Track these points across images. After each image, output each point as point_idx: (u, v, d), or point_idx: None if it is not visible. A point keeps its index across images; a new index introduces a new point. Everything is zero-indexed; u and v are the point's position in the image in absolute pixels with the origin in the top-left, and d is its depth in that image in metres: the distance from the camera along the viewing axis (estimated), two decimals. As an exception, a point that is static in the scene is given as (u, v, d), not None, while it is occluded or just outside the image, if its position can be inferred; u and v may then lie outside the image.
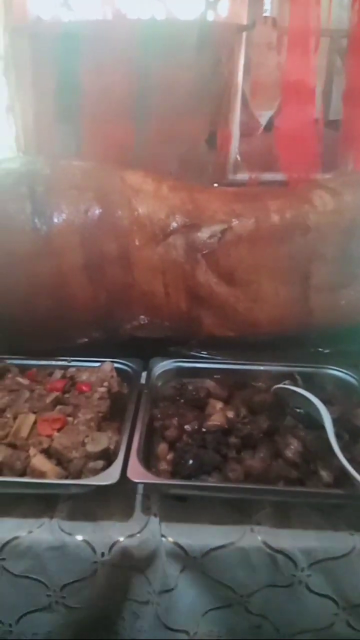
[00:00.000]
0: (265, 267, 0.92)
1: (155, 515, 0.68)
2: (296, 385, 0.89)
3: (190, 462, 0.66)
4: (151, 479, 0.66)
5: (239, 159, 1.38)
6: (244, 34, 1.19)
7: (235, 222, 0.90)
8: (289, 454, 0.70)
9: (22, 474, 0.69)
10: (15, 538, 0.66)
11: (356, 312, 0.96)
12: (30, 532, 0.67)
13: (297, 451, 0.71)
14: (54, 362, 0.93)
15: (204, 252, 0.89)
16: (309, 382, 0.91)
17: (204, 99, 1.24)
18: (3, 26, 1.34)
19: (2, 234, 0.82)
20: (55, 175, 0.88)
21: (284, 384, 0.86)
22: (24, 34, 1.29)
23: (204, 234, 0.88)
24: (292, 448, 0.71)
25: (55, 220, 0.83)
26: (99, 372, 0.88)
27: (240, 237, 0.90)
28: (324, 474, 0.68)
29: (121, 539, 0.66)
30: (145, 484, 0.68)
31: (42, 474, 0.68)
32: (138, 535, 0.66)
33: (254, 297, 0.93)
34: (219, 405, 0.80)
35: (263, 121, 1.44)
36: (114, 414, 0.82)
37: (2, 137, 1.46)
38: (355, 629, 0.71)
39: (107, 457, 0.71)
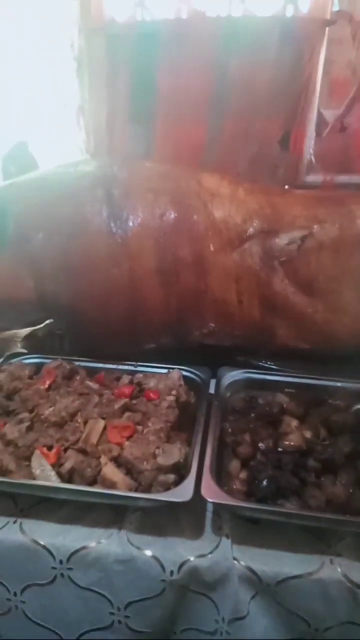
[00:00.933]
0: (347, 276, 0.86)
1: (227, 536, 0.65)
2: (377, 405, 0.83)
3: (265, 483, 0.63)
4: (225, 499, 0.63)
5: (312, 160, 1.32)
6: (327, 29, 1.13)
7: (316, 228, 0.85)
8: (374, 482, 0.65)
9: (92, 482, 0.68)
10: (84, 548, 0.65)
11: None
12: (100, 542, 0.65)
13: (384, 480, 0.65)
14: (120, 367, 0.92)
15: (282, 259, 0.84)
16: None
17: (280, 99, 1.19)
18: (78, 28, 1.35)
19: (79, 237, 0.82)
20: (132, 178, 0.86)
21: (363, 404, 0.81)
22: (100, 35, 1.29)
23: (282, 241, 0.84)
24: (379, 477, 0.65)
25: (131, 224, 0.82)
26: (167, 379, 0.86)
27: (322, 244, 0.85)
28: None
29: (191, 558, 0.63)
30: (218, 504, 0.65)
31: (113, 484, 0.66)
32: (209, 555, 0.63)
33: (334, 308, 0.88)
34: (294, 423, 0.76)
35: (331, 120, 1.37)
36: (182, 423, 0.79)
37: (71, 138, 1.49)
38: None
39: (178, 470, 0.69)
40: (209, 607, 0.65)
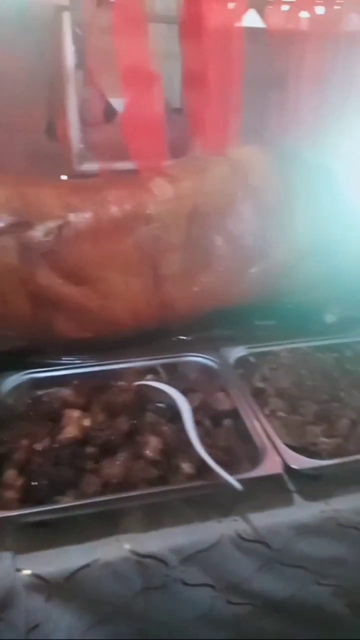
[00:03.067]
0: (111, 261, 0.87)
1: (7, 549, 0.61)
2: (159, 378, 0.87)
3: (36, 484, 0.61)
4: (-3, 512, 0.59)
5: (82, 148, 1.32)
6: (66, 15, 1.12)
7: (71, 216, 0.84)
8: (148, 452, 0.68)
9: None
10: None
11: (210, 298, 0.96)
12: None
13: (156, 448, 0.69)
14: None
15: (42, 252, 0.82)
16: (173, 372, 0.90)
17: (34, 88, 1.16)
18: None
19: None
20: None
21: (145, 380, 0.84)
22: None
23: (37, 232, 0.81)
24: (151, 446, 0.68)
25: None
26: None
27: (80, 232, 0.84)
28: (185, 466, 0.67)
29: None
30: (-7, 518, 0.61)
31: None
32: (-10, 576, 0.59)
33: (105, 294, 0.89)
34: (76, 414, 0.75)
35: (120, 108, 1.39)
36: None
37: None
38: (234, 603, 0.72)
39: None
40: (5, 628, 0.62)
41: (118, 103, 1.38)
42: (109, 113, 1.38)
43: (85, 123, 1.31)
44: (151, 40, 1.27)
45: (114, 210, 0.87)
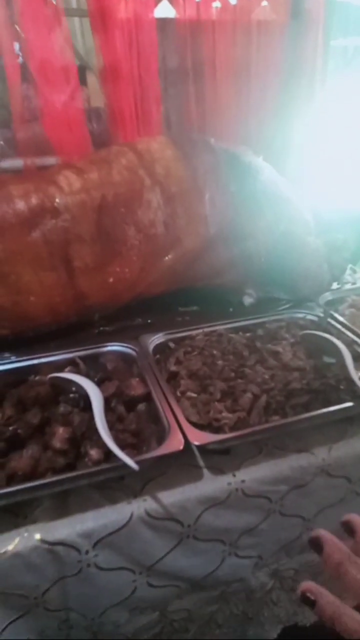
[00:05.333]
0: (20, 256, 0.87)
1: None
2: (78, 370, 0.88)
3: None
4: None
5: (3, 145, 1.30)
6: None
7: (-26, 213, 0.83)
8: (55, 443, 0.69)
9: None
10: None
11: (127, 288, 0.97)
12: None
13: (63, 437, 0.69)
14: None
15: None
16: (93, 363, 0.90)
17: None
18: None
19: None
20: None
21: (63, 372, 0.84)
22: None
23: None
24: (58, 435, 0.69)
25: None
26: None
27: (-16, 228, 0.84)
28: (92, 453, 0.68)
29: None
30: None
31: None
32: None
33: (17, 290, 0.88)
34: (-15, 411, 0.75)
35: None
36: None
37: None
38: (156, 585, 0.74)
39: None
40: None
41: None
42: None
43: (19, 119, 1.29)
44: (65, 34, 1.27)
45: (19, 204, 0.86)
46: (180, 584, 0.77)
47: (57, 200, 0.89)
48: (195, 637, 0.86)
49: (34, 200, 0.88)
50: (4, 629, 0.67)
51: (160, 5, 1.37)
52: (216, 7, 1.41)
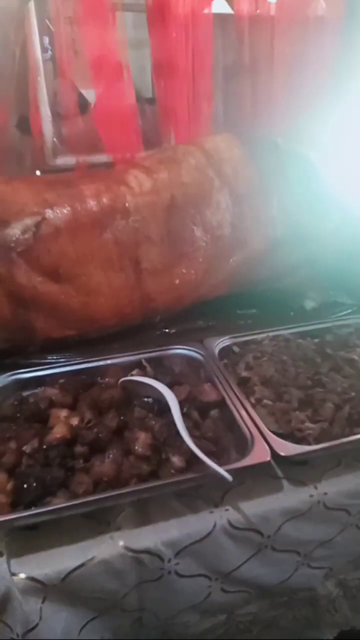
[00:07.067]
0: (91, 257, 0.86)
1: (1, 554, 0.61)
2: (145, 373, 0.87)
3: (27, 486, 0.60)
4: (-12, 517, 0.59)
5: (56, 142, 1.29)
6: (31, 5, 1.09)
7: (49, 212, 0.82)
8: (138, 448, 0.68)
9: None
10: None
11: (192, 289, 0.96)
12: None
13: (146, 443, 0.68)
14: None
15: (19, 250, 0.80)
16: (158, 366, 0.89)
17: (2, 82, 1.12)
18: None
19: None
20: None
21: (131, 375, 0.83)
22: None
23: (14, 230, 0.80)
24: (140, 441, 0.68)
25: None
26: None
27: (58, 228, 0.83)
28: (175, 460, 0.67)
29: None
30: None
31: None
32: (-17, 583, 0.59)
33: (86, 291, 0.88)
34: (63, 413, 0.74)
35: (92, 100, 1.37)
36: None
37: None
38: (229, 591, 0.74)
39: None
40: (2, 631, 0.61)
41: (91, 94, 1.36)
42: (82, 105, 1.36)
43: (58, 116, 1.29)
44: (120, 30, 1.25)
45: (91, 204, 0.86)
46: (251, 590, 0.77)
47: (128, 200, 0.88)
48: (257, 637, 0.86)
49: (105, 201, 0.87)
50: (81, 630, 0.67)
51: (216, 1, 1.34)
52: (272, 3, 1.38)
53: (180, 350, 0.93)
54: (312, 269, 1.02)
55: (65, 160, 1.33)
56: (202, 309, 1.03)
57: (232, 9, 1.37)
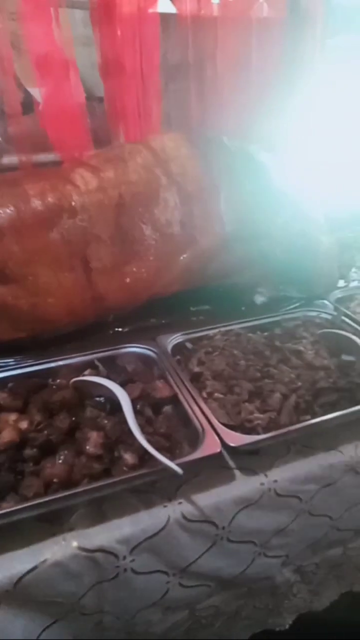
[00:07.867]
0: (38, 257, 0.85)
1: None
2: (98, 372, 0.87)
3: (-26, 494, 0.59)
4: None
5: (1, 141, 1.26)
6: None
7: (-9, 213, 0.81)
8: (89, 448, 0.68)
9: None
10: None
11: (143, 288, 0.96)
12: None
13: (97, 442, 0.68)
14: None
15: None
16: (111, 365, 0.89)
17: None
18: None
19: None
20: None
21: (83, 375, 0.83)
22: None
23: None
24: (92, 441, 0.68)
25: None
26: None
27: (1, 228, 0.81)
28: (127, 457, 0.67)
29: None
30: None
31: None
32: None
33: (35, 291, 0.86)
34: (12, 417, 0.73)
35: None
36: None
37: None
38: (188, 586, 0.74)
39: None
40: None
41: (38, 93, 1.33)
42: (28, 103, 1.33)
43: (3, 115, 1.25)
44: (65, 27, 1.23)
45: (36, 203, 0.84)
46: (210, 584, 0.78)
47: (74, 199, 0.87)
48: (220, 630, 0.87)
49: (50, 200, 0.86)
50: (39, 634, 0.66)
51: (161, 1, 1.35)
52: (215, 4, 1.40)
53: (133, 348, 0.93)
54: (262, 264, 1.04)
55: (12, 159, 1.30)
56: (156, 306, 1.03)
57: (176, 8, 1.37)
